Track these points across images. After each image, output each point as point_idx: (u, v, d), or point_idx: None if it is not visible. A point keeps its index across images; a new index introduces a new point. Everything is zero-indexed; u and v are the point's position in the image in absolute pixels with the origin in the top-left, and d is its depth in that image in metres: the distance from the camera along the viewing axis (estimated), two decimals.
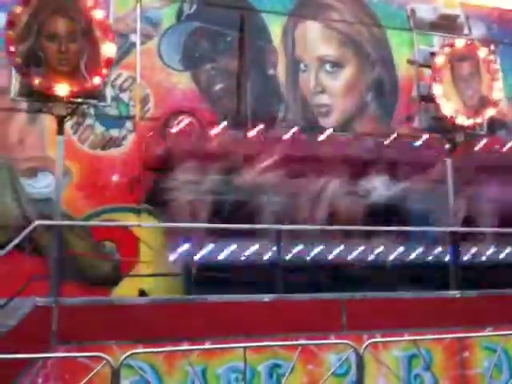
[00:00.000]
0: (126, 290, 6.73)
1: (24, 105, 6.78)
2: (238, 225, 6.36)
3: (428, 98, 7.15)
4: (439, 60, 7.11)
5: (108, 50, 5.77)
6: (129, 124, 7.38)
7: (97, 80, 5.68)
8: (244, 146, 6.94)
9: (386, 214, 6.85)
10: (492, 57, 7.47)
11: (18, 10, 5.52)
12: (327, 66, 8.43)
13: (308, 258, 6.71)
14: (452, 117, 7.04)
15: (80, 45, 5.68)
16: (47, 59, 5.56)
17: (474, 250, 7.34)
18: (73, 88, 5.59)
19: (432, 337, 5.70)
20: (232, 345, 5.01)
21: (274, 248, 6.25)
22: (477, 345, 6.09)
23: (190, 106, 7.61)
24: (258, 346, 5.17)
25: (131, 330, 5.03)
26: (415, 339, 5.31)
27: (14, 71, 5.64)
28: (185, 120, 7.36)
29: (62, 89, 5.56)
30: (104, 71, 5.73)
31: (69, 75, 5.61)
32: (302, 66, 8.31)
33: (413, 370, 5.88)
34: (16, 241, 5.18)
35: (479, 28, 8.58)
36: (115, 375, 4.00)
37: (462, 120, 7.11)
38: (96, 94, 5.84)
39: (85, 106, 6.15)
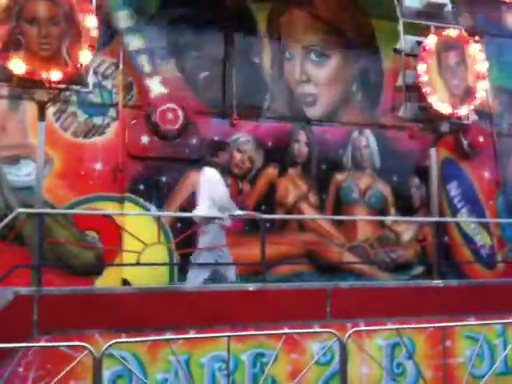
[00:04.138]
0: (109, 280, 6.67)
1: (4, 90, 6.65)
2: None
3: (413, 88, 7.15)
4: (425, 49, 7.10)
5: (90, 34, 5.67)
6: (112, 112, 7.28)
7: (79, 65, 5.59)
8: None
9: None
10: (478, 47, 7.46)
11: None
12: (313, 55, 8.38)
13: None
14: (437, 106, 7.04)
15: (62, 29, 5.58)
16: (28, 43, 5.43)
17: None
18: (54, 73, 5.49)
19: (415, 326, 5.74)
20: (216, 334, 4.99)
21: None
22: (459, 334, 6.14)
23: (174, 94, 7.51)
24: (241, 335, 5.17)
25: (114, 319, 4.99)
26: (398, 328, 5.34)
27: None
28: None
29: (43, 74, 5.47)
30: (86, 56, 5.63)
31: (50, 60, 5.50)
32: (287, 54, 8.26)
33: (395, 358, 5.92)
34: None
35: (466, 17, 8.58)
36: (97, 365, 3.96)
37: (448, 110, 7.11)
38: (78, 80, 5.75)
39: (67, 93, 6.07)
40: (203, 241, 6.25)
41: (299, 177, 8.00)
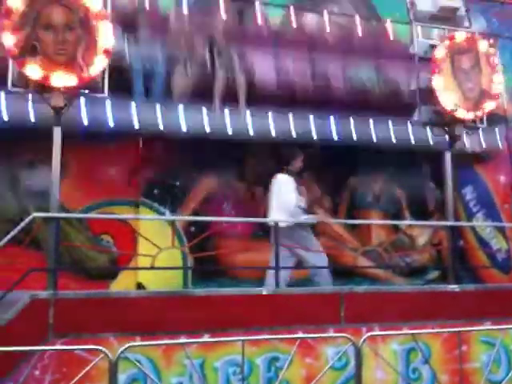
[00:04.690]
0: (124, 284, 6.70)
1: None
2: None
3: (427, 91, 7.11)
4: (439, 53, 7.07)
5: (106, 40, 5.73)
6: None
7: (94, 70, 5.65)
8: None
9: None
10: (492, 50, 7.42)
11: None
12: None
13: None
14: (452, 110, 7.01)
15: (77, 35, 5.64)
16: (44, 49, 5.50)
17: None
18: (70, 78, 5.55)
19: (430, 330, 5.70)
20: (230, 338, 4.99)
21: None
22: (475, 339, 6.08)
23: None
24: (256, 339, 5.15)
25: (129, 322, 5.01)
26: (414, 333, 5.29)
27: (10, 61, 5.57)
28: None
29: (59, 79, 5.53)
30: (102, 61, 5.68)
31: (66, 65, 5.56)
32: None
33: (411, 363, 5.86)
34: (13, 233, 5.14)
35: (479, 21, 8.54)
36: (112, 368, 3.97)
37: (462, 113, 7.07)
38: (94, 85, 5.80)
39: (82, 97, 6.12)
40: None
41: (313, 181, 7.98)
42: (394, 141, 7.68)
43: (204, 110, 7.04)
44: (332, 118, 7.54)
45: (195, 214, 7.33)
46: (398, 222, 8.13)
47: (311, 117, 7.44)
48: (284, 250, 6.17)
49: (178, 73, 6.95)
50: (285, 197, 6.30)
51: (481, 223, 8.31)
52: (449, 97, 7.01)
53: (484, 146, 8.18)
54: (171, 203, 7.30)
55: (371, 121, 7.65)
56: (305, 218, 6.37)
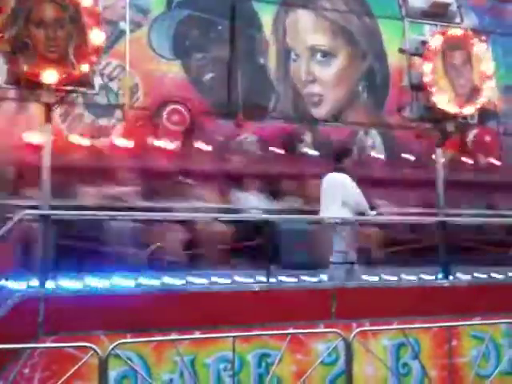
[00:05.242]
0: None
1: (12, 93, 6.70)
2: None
3: (419, 87, 7.13)
4: (431, 49, 7.08)
5: (97, 37, 5.71)
6: (118, 113, 7.33)
7: (85, 67, 5.64)
8: None
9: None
10: (484, 46, 7.44)
11: None
12: (318, 56, 8.39)
13: None
14: (443, 106, 7.02)
15: (68, 31, 5.62)
16: (35, 46, 5.49)
17: None
18: (61, 75, 5.54)
19: (420, 326, 5.74)
20: (221, 334, 5.01)
21: None
22: (465, 334, 6.12)
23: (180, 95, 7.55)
24: (246, 335, 5.18)
25: (119, 319, 5.01)
26: (404, 328, 5.32)
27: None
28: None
29: (51, 76, 5.52)
30: (93, 58, 5.68)
31: (57, 62, 5.55)
32: (292, 55, 8.28)
33: (401, 358, 5.91)
34: (3, 230, 5.14)
35: (471, 17, 8.56)
36: (102, 365, 3.99)
37: (454, 109, 7.09)
38: (85, 82, 5.79)
39: (74, 95, 6.11)
40: (336, 242, 6.34)
41: None
42: None
43: None
44: None
45: None
46: (398, 219, 8.11)
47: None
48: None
49: None
50: (358, 198, 6.27)
51: (471, 218, 8.33)
52: (440, 93, 7.02)
53: None
54: None
55: None
56: (373, 213, 6.40)
